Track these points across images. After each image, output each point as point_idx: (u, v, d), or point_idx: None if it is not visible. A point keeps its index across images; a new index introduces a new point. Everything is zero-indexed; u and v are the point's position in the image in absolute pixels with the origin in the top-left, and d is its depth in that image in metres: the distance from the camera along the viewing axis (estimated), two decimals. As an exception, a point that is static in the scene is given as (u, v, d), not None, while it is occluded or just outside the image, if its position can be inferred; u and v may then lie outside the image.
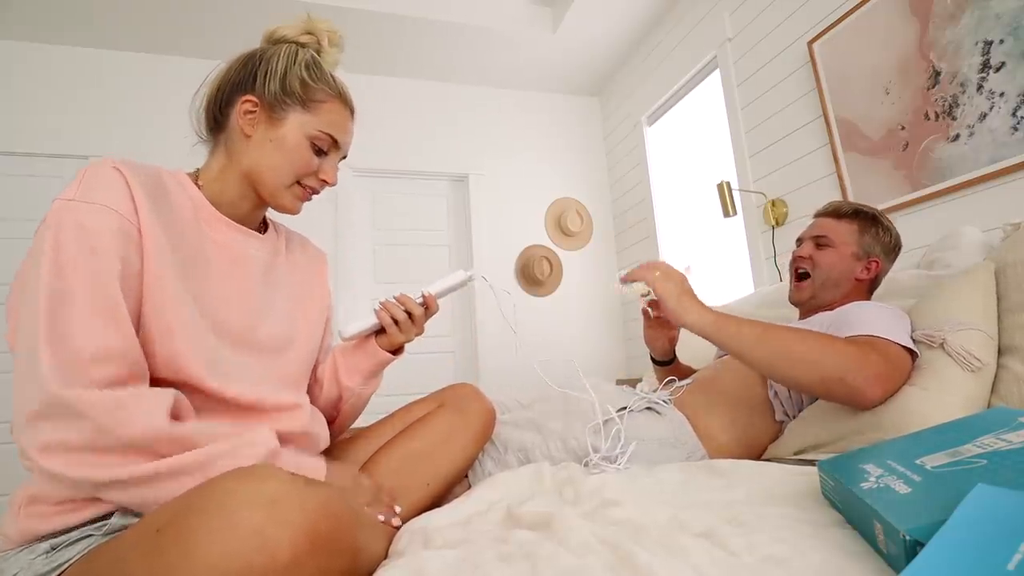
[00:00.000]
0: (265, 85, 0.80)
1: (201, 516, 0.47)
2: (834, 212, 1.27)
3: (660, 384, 1.23)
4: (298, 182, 0.83)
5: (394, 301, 0.96)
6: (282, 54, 0.82)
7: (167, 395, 0.65)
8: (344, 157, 0.89)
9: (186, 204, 0.77)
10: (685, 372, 1.41)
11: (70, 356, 0.59)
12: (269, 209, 0.89)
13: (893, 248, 1.23)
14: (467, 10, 2.92)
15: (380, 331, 0.98)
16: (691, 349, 1.53)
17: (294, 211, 0.86)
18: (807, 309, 1.27)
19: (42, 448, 0.59)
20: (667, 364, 1.40)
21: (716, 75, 2.63)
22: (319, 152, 0.83)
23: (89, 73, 2.82)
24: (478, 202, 3.38)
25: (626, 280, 1.04)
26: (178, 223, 0.74)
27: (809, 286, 1.24)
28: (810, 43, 2.02)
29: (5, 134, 2.66)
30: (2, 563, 0.62)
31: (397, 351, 0.99)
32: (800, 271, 1.26)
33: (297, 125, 0.80)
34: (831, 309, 1.19)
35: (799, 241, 1.30)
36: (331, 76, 0.85)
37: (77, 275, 0.61)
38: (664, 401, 1.15)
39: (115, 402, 0.60)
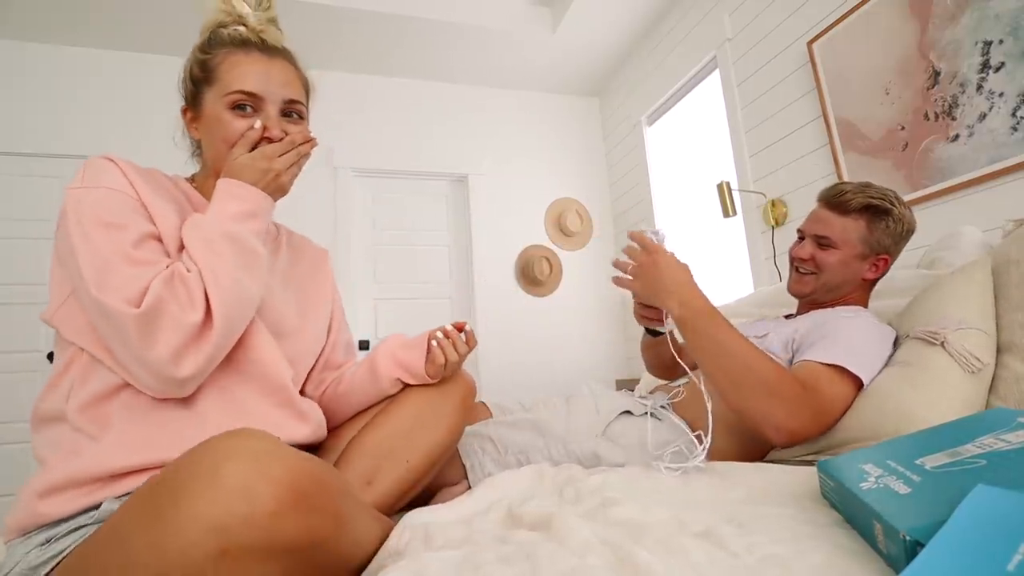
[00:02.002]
0: (184, 92, 0.86)
1: (191, 470, 0.50)
2: (840, 206, 1.14)
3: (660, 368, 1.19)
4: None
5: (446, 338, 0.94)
6: (188, 59, 0.86)
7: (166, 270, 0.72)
8: (296, 103, 0.84)
9: (180, 196, 0.82)
10: (681, 348, 1.36)
11: (122, 300, 0.66)
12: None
13: (905, 235, 1.15)
14: (467, 10, 2.92)
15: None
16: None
17: None
18: (806, 303, 1.23)
19: (173, 361, 0.66)
20: (661, 334, 1.32)
21: (716, 75, 2.63)
22: (244, 113, 0.80)
23: (89, 73, 2.82)
24: (478, 202, 3.38)
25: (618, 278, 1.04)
26: (174, 203, 0.78)
27: (812, 282, 1.17)
28: (810, 43, 2.02)
29: (5, 134, 2.66)
30: (6, 554, 0.64)
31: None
32: (801, 271, 1.19)
33: (211, 102, 0.82)
34: (831, 306, 1.17)
35: (800, 234, 1.21)
36: (229, 34, 0.83)
37: (108, 247, 0.68)
38: (663, 407, 1.14)
39: (179, 278, 0.69)
